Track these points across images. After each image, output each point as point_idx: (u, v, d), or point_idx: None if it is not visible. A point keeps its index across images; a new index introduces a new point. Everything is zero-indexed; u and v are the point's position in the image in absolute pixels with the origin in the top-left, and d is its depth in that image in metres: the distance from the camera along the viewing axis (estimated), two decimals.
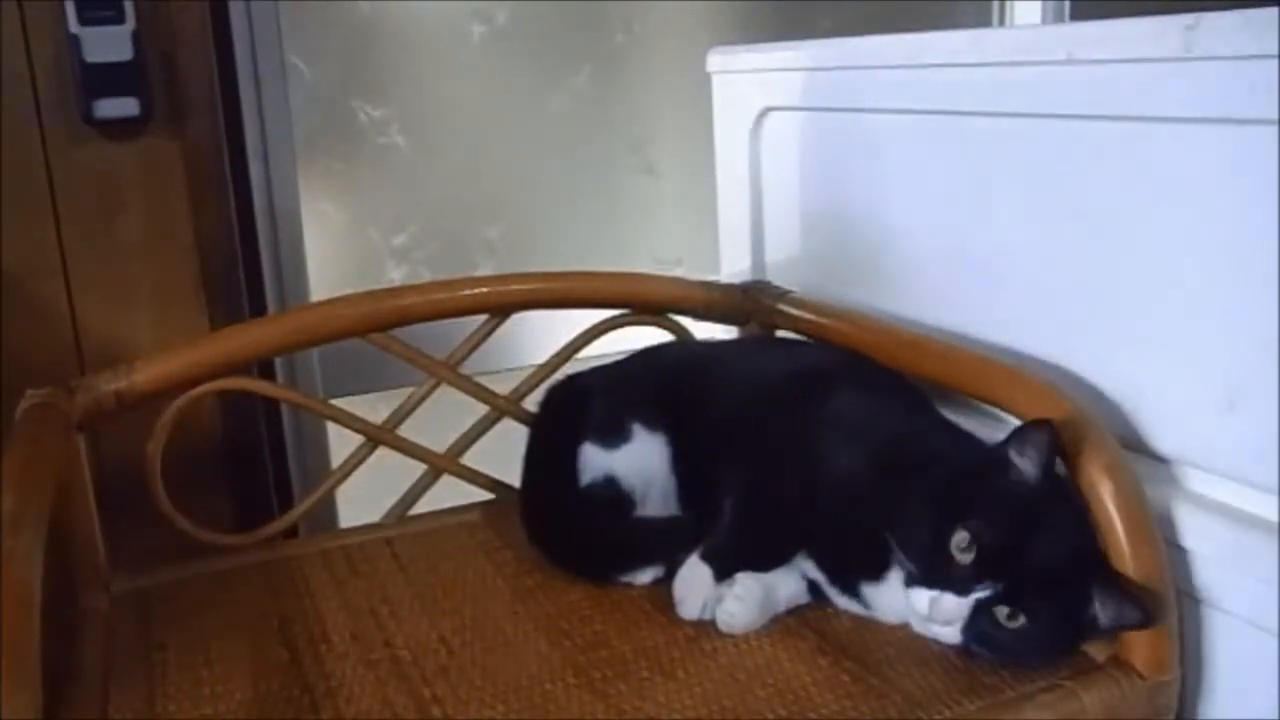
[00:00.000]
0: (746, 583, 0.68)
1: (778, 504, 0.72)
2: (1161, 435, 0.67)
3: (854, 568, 0.68)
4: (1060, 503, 0.62)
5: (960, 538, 0.61)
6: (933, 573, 0.62)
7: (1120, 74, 0.66)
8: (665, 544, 0.74)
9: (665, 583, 0.72)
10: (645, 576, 0.74)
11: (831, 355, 0.84)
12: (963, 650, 0.62)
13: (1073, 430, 0.63)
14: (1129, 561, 0.60)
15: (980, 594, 0.60)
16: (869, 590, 0.68)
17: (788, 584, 0.70)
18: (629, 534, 0.78)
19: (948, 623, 0.61)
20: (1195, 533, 0.63)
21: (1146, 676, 0.61)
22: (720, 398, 0.81)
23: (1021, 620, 0.60)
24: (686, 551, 0.71)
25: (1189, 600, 0.63)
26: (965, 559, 0.60)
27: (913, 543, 0.63)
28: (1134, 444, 0.68)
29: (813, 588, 0.71)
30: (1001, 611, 0.60)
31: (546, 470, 0.83)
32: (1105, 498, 0.61)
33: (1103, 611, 0.59)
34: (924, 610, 0.62)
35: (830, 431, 0.72)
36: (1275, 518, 0.60)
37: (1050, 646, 0.62)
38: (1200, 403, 0.64)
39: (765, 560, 0.70)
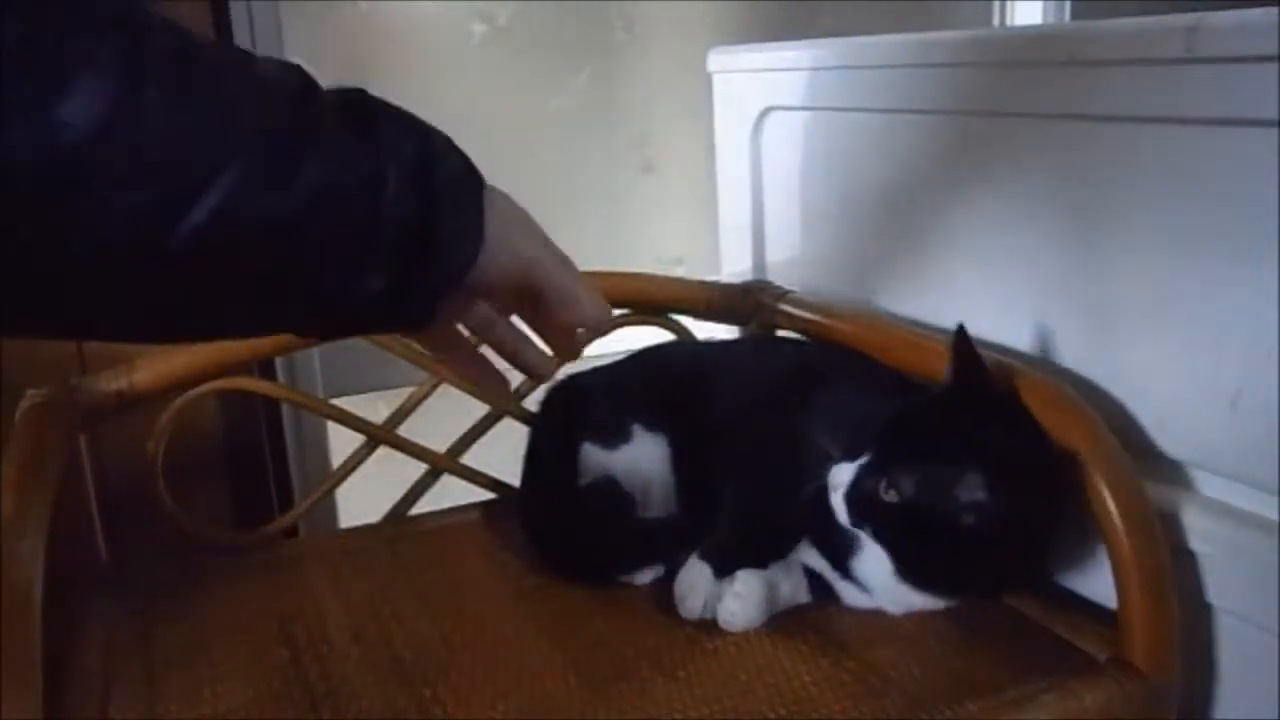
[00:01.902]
0: (747, 580, 0.68)
1: (773, 497, 0.72)
2: (1163, 436, 0.67)
3: (853, 549, 0.69)
4: (974, 402, 0.66)
5: (870, 422, 0.66)
6: (843, 448, 0.66)
7: (1120, 74, 0.66)
8: (665, 544, 0.74)
9: (666, 582, 0.72)
10: (645, 577, 0.74)
11: (829, 353, 0.85)
12: (859, 531, 0.65)
13: (1074, 430, 0.63)
14: (1131, 560, 0.60)
15: (863, 460, 0.64)
16: (868, 571, 0.68)
17: (788, 581, 0.70)
18: (628, 534, 0.78)
19: (837, 487, 0.65)
20: (1197, 533, 0.63)
21: (1148, 676, 0.61)
22: (719, 398, 0.81)
23: (892, 494, 0.62)
24: (686, 551, 0.71)
25: (1191, 600, 0.63)
26: (869, 440, 0.65)
27: (840, 433, 0.67)
28: (1136, 444, 0.68)
29: (815, 584, 0.71)
30: (880, 483, 0.63)
31: (546, 471, 0.83)
32: (1107, 498, 0.61)
33: (960, 488, 0.61)
34: (829, 479, 0.66)
35: (823, 420, 0.72)
36: (1276, 517, 0.60)
37: (924, 537, 0.63)
38: (1202, 403, 0.64)
39: (764, 555, 0.70)
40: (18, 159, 0.36)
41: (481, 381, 0.60)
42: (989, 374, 0.67)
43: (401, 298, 0.48)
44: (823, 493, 0.66)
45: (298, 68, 0.46)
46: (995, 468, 0.61)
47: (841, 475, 0.65)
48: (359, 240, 0.46)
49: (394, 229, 0.46)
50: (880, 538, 0.64)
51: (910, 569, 0.65)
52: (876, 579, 0.68)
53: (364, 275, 0.47)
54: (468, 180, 0.51)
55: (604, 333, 0.58)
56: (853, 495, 0.64)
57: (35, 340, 0.93)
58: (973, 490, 0.60)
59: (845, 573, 0.70)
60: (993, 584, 0.68)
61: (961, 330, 0.67)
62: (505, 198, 0.52)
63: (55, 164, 0.37)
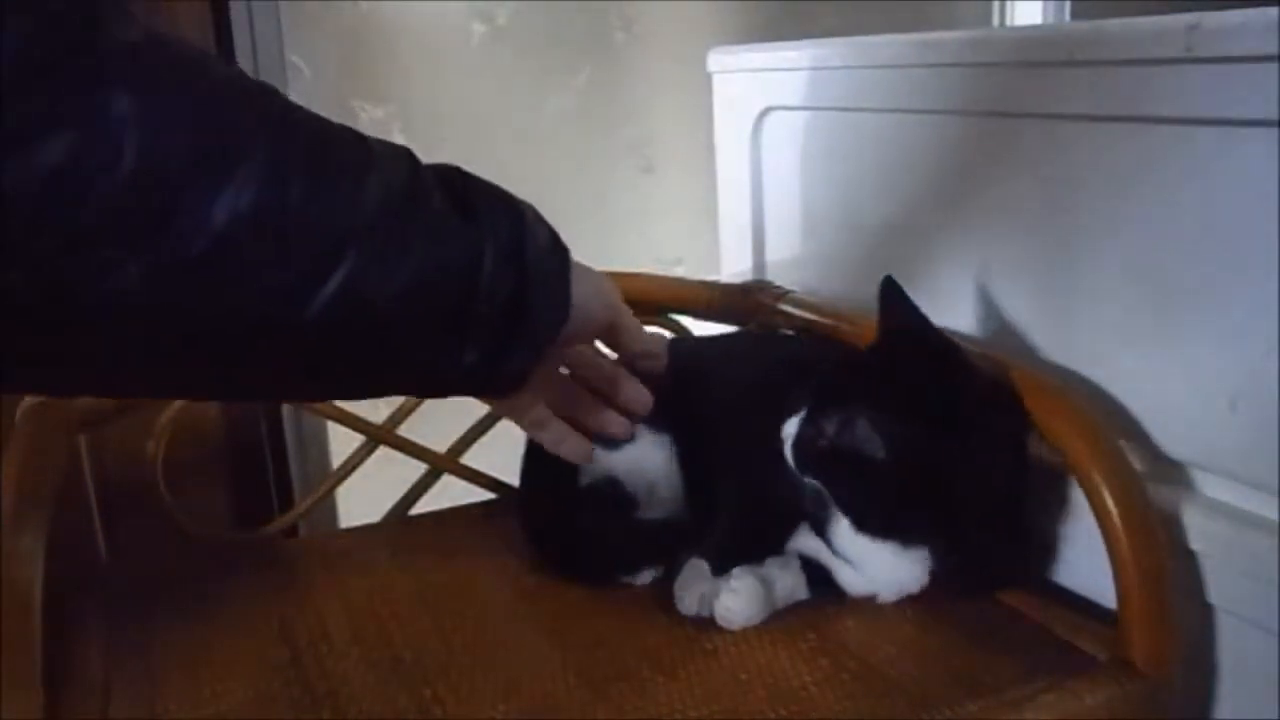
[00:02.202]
0: (742, 576, 0.69)
1: (766, 491, 0.72)
2: (1163, 436, 0.67)
3: (830, 518, 0.70)
4: (897, 349, 0.70)
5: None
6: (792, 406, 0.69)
7: (1120, 74, 0.66)
8: (665, 544, 0.74)
9: (666, 583, 0.72)
10: (645, 577, 0.74)
11: (825, 345, 0.85)
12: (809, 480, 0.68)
13: (1074, 430, 0.63)
14: (1130, 560, 0.60)
15: (802, 413, 0.68)
16: (845, 540, 0.69)
17: (785, 576, 0.70)
18: (627, 535, 0.78)
19: (786, 439, 0.68)
20: (1197, 533, 0.63)
21: (1148, 676, 0.61)
22: (719, 393, 0.81)
23: (823, 440, 0.65)
24: (687, 552, 0.72)
25: (1191, 600, 0.64)
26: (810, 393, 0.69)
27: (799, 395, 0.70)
28: (1136, 444, 0.68)
29: (815, 579, 0.71)
30: (814, 430, 0.66)
31: (545, 470, 0.82)
32: (1107, 498, 0.61)
33: (858, 427, 0.64)
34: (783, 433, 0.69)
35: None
36: (1276, 517, 0.60)
37: (853, 477, 0.66)
38: (1201, 403, 0.64)
39: (762, 551, 0.71)
40: (184, 246, 0.41)
41: (564, 443, 0.68)
42: (921, 321, 0.70)
43: (495, 367, 0.53)
44: None
45: (406, 150, 0.51)
46: (889, 403, 0.64)
47: (788, 428, 0.68)
48: (458, 315, 0.50)
49: (490, 305, 0.51)
50: (824, 484, 0.68)
51: (855, 513, 0.68)
52: (851, 546, 0.69)
53: (461, 347, 0.51)
54: (556, 252, 0.55)
55: (659, 369, 0.69)
56: (796, 445, 0.67)
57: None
58: (865, 424, 0.64)
59: (834, 549, 0.70)
60: (945, 528, 0.68)
61: (888, 281, 0.71)
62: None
63: (214, 248, 0.41)
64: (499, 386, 0.55)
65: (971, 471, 0.66)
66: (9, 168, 0.36)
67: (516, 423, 0.67)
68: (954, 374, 0.68)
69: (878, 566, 0.69)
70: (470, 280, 0.50)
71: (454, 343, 0.51)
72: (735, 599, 0.68)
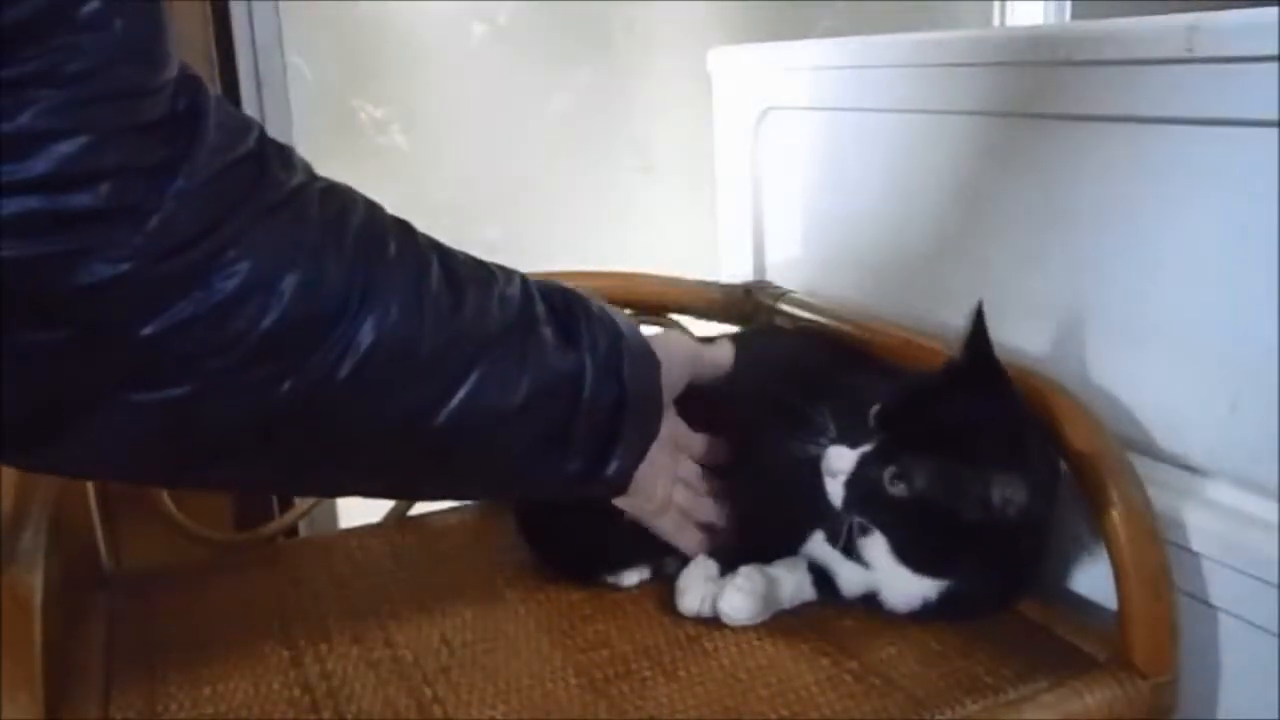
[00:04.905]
0: (749, 574, 0.69)
1: (778, 492, 0.72)
2: (1163, 437, 0.68)
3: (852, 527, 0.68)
4: (979, 386, 0.65)
5: (874, 409, 0.65)
6: (842, 432, 0.65)
7: (1120, 74, 0.66)
8: (651, 546, 0.74)
9: (667, 583, 0.72)
10: (630, 578, 0.74)
11: (829, 343, 0.85)
12: (850, 513, 0.65)
13: (1075, 430, 0.63)
14: (1131, 560, 0.60)
15: (867, 447, 0.63)
16: (891, 572, 0.67)
17: (792, 577, 0.70)
18: (615, 534, 0.77)
19: (836, 473, 0.64)
20: (1197, 533, 0.63)
21: (1148, 676, 0.61)
22: (721, 391, 0.80)
23: (901, 487, 0.62)
24: (673, 554, 0.72)
25: (1192, 600, 0.63)
26: (874, 424, 0.64)
27: (842, 413, 0.66)
28: (1136, 445, 0.68)
29: (820, 581, 0.71)
30: (887, 473, 0.62)
31: None
32: (1107, 498, 0.61)
33: (994, 489, 0.61)
34: (825, 464, 0.64)
35: (820, 400, 0.72)
36: (1276, 518, 0.60)
37: (929, 530, 0.63)
38: (1202, 404, 0.64)
39: (770, 551, 0.71)
40: (334, 368, 0.45)
41: (682, 533, 0.70)
42: (997, 360, 0.66)
43: (595, 474, 0.57)
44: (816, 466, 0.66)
45: (520, 274, 0.56)
46: (1031, 465, 0.61)
47: (841, 462, 0.64)
48: (564, 427, 0.55)
49: (591, 418, 0.55)
50: (876, 525, 0.65)
51: (910, 557, 0.65)
52: (884, 567, 0.67)
53: (564, 457, 0.56)
54: (648, 361, 0.59)
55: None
56: (854, 484, 0.64)
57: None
58: (1014, 489, 0.60)
59: (848, 551, 0.69)
60: (1000, 578, 0.67)
61: (980, 308, 0.66)
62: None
63: (358, 369, 0.46)
64: (602, 491, 0.59)
65: (1024, 513, 0.63)
66: (197, 297, 0.41)
67: (640, 519, 0.70)
68: (1036, 421, 0.64)
69: (901, 584, 0.68)
70: (575, 395, 0.54)
71: (558, 453, 0.55)
72: (740, 596, 0.67)
